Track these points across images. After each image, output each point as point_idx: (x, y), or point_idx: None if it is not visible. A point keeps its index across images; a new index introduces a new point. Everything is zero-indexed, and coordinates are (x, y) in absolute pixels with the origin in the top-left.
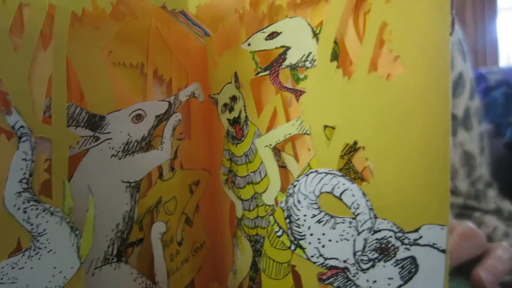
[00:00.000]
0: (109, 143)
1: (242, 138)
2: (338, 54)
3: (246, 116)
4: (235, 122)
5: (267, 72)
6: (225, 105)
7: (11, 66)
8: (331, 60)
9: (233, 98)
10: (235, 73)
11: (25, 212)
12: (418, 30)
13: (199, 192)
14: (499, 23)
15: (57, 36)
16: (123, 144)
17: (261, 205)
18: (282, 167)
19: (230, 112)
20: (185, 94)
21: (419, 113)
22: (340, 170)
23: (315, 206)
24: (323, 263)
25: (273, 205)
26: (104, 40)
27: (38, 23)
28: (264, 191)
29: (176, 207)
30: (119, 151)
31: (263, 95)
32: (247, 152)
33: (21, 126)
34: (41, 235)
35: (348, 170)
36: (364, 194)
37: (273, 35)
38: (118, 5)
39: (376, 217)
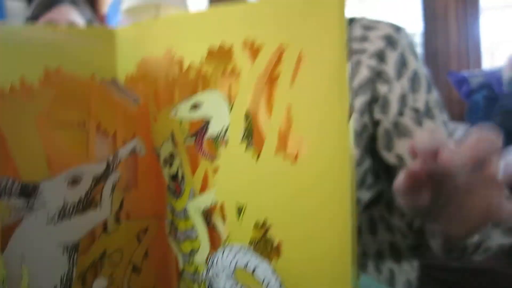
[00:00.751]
0: (43, 210)
1: (181, 194)
2: (252, 130)
3: (183, 174)
4: (173, 178)
5: (193, 140)
6: (165, 160)
7: None
8: (244, 137)
9: (171, 156)
10: (172, 132)
11: None
12: (319, 114)
13: (147, 240)
14: (482, 23)
15: None
16: (58, 209)
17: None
18: (212, 228)
19: (170, 167)
20: (125, 152)
21: (321, 193)
22: (256, 243)
23: (232, 279)
24: None
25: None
26: (38, 108)
27: None
28: (198, 250)
29: (122, 258)
30: (54, 217)
31: (196, 155)
32: (185, 207)
33: None
34: None
35: (265, 244)
36: (273, 271)
37: (196, 106)
38: (45, 80)
39: None
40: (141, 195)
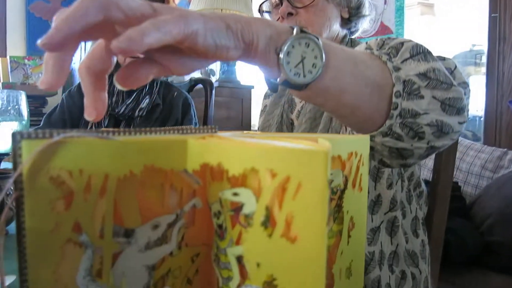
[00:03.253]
0: (136, 244)
1: (224, 239)
2: (269, 217)
3: (226, 227)
4: (219, 227)
5: (233, 213)
6: (214, 213)
7: (83, 209)
8: (263, 221)
9: (219, 212)
10: (220, 199)
11: (87, 287)
12: (308, 217)
13: (198, 261)
14: None
15: (109, 190)
16: (145, 243)
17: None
18: (242, 265)
19: (217, 219)
20: (188, 207)
21: (306, 262)
22: (265, 284)
23: None
24: None
25: None
26: (138, 182)
27: (98, 185)
28: (232, 278)
29: (181, 273)
30: (142, 248)
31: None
32: (225, 248)
33: (87, 241)
34: None
35: (271, 286)
36: None
37: (235, 194)
38: (144, 171)
39: None
40: (196, 230)
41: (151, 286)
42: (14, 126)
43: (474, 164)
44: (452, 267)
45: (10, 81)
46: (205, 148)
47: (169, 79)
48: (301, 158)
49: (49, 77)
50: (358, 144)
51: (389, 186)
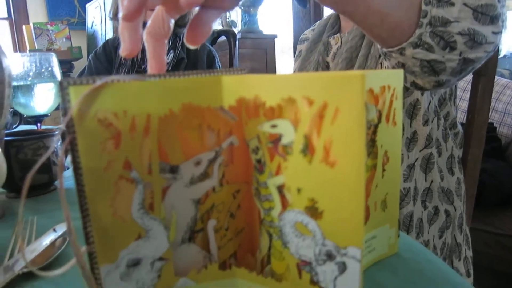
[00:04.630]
0: (182, 180)
1: (263, 172)
2: (308, 145)
3: (265, 161)
4: (258, 161)
5: (272, 145)
6: (253, 149)
7: (131, 148)
8: (302, 149)
9: (257, 148)
10: (258, 134)
11: (142, 219)
12: (347, 142)
13: (239, 197)
14: None
15: (152, 129)
16: (189, 179)
17: (274, 217)
18: (283, 196)
19: (256, 154)
20: (226, 144)
21: (346, 185)
22: (308, 209)
23: (294, 228)
24: (299, 257)
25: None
26: (178, 121)
27: (142, 124)
28: (274, 208)
29: (224, 207)
30: (187, 183)
31: (273, 152)
32: (266, 181)
33: (138, 177)
34: (150, 230)
35: (313, 210)
36: (318, 225)
37: (274, 126)
38: (182, 109)
39: (324, 239)
40: (235, 168)
41: (198, 218)
42: (50, 87)
43: (511, 104)
44: (487, 208)
45: (36, 47)
46: (241, 82)
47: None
48: (338, 83)
49: (128, 45)
50: (391, 77)
51: (425, 123)
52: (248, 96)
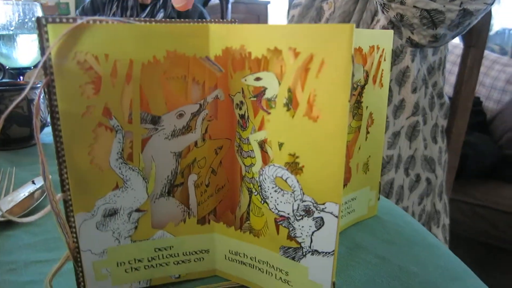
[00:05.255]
0: (163, 131)
1: (246, 128)
2: (291, 98)
3: (248, 116)
4: (242, 117)
5: (255, 99)
6: (237, 104)
7: (111, 94)
8: (286, 102)
9: (241, 102)
10: (242, 88)
11: (120, 169)
12: (331, 95)
13: (222, 153)
14: None
15: (134, 76)
16: (171, 131)
17: (255, 172)
18: (265, 152)
19: (240, 109)
20: (211, 97)
21: (328, 139)
22: (289, 165)
23: (273, 183)
24: (278, 213)
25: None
26: (161, 71)
27: (124, 70)
28: (255, 164)
29: (206, 163)
30: (169, 135)
31: (257, 107)
32: (248, 137)
33: (117, 125)
34: (128, 181)
35: (294, 165)
36: (297, 180)
37: (258, 79)
38: (167, 57)
39: (303, 194)
40: (219, 124)
41: (178, 172)
42: (33, 38)
43: (498, 79)
44: (468, 180)
45: None
46: (228, 31)
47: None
48: (325, 33)
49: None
50: (381, 37)
51: (414, 90)
52: (235, 46)
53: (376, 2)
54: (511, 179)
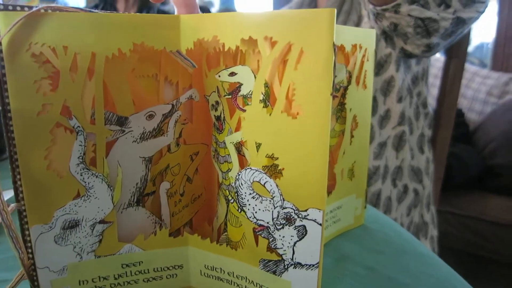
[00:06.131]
0: (131, 133)
1: (222, 131)
2: (269, 94)
3: (224, 117)
4: (217, 119)
5: (230, 96)
6: (212, 105)
7: (71, 91)
8: (263, 98)
9: (217, 103)
10: (217, 87)
11: (81, 175)
12: (311, 89)
13: (198, 160)
14: None
15: (97, 71)
16: (140, 134)
17: (231, 177)
18: (242, 155)
19: (215, 110)
20: (184, 97)
21: (309, 138)
22: (267, 168)
23: (251, 188)
24: (256, 222)
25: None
26: (130, 66)
27: (85, 64)
28: (231, 170)
29: (180, 170)
30: (137, 138)
31: (233, 106)
32: (224, 140)
33: (78, 126)
34: (91, 189)
35: (273, 168)
36: (277, 185)
37: (232, 74)
38: (134, 50)
39: (284, 200)
40: (194, 127)
41: (148, 179)
42: None
43: (479, 91)
44: (453, 190)
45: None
46: (199, 22)
47: (166, 8)
48: (304, 19)
49: None
50: (363, 36)
51: (399, 100)
52: (207, 37)
53: (368, 13)
54: (495, 190)
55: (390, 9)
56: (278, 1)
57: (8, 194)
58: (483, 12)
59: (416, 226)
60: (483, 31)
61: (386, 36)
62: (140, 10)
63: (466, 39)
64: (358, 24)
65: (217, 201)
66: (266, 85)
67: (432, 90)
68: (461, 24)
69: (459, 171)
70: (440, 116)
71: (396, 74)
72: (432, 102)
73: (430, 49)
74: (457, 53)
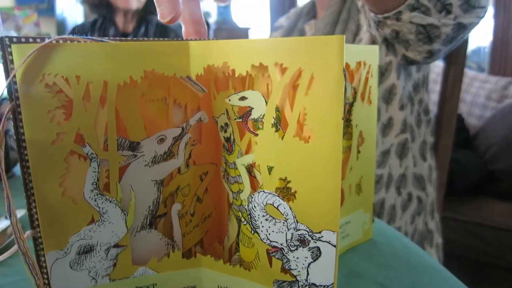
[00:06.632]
0: (143, 158)
1: (232, 152)
2: (280, 119)
3: (234, 138)
4: (227, 140)
5: (241, 120)
6: (221, 127)
7: (84, 119)
8: (274, 123)
9: (226, 124)
10: (227, 109)
11: (95, 201)
12: (323, 114)
13: (207, 180)
14: None
15: (109, 98)
16: (151, 157)
17: (243, 199)
18: (253, 176)
19: (225, 132)
20: (194, 120)
21: (321, 162)
22: (280, 190)
23: (264, 211)
24: (270, 243)
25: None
26: (140, 91)
27: (98, 93)
28: (243, 191)
29: (190, 191)
30: (149, 162)
31: (243, 128)
32: (234, 161)
33: (91, 153)
34: (105, 214)
35: (286, 191)
36: (290, 207)
37: (243, 98)
38: (144, 77)
39: (297, 222)
40: (203, 148)
41: (160, 202)
42: None
43: (478, 95)
44: (455, 196)
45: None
46: (209, 48)
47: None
48: (314, 46)
49: (168, 10)
50: (367, 53)
51: (401, 108)
52: (217, 63)
53: (369, 21)
54: (497, 195)
55: (392, 16)
56: (276, 11)
57: (18, 213)
58: (483, 17)
59: (420, 234)
60: (480, 35)
61: (388, 43)
62: (138, 24)
63: (464, 44)
64: (356, 33)
65: (228, 221)
66: (277, 109)
67: (431, 95)
68: (462, 29)
69: (461, 177)
70: (441, 123)
71: (397, 82)
72: (432, 108)
73: (431, 55)
74: (456, 60)
